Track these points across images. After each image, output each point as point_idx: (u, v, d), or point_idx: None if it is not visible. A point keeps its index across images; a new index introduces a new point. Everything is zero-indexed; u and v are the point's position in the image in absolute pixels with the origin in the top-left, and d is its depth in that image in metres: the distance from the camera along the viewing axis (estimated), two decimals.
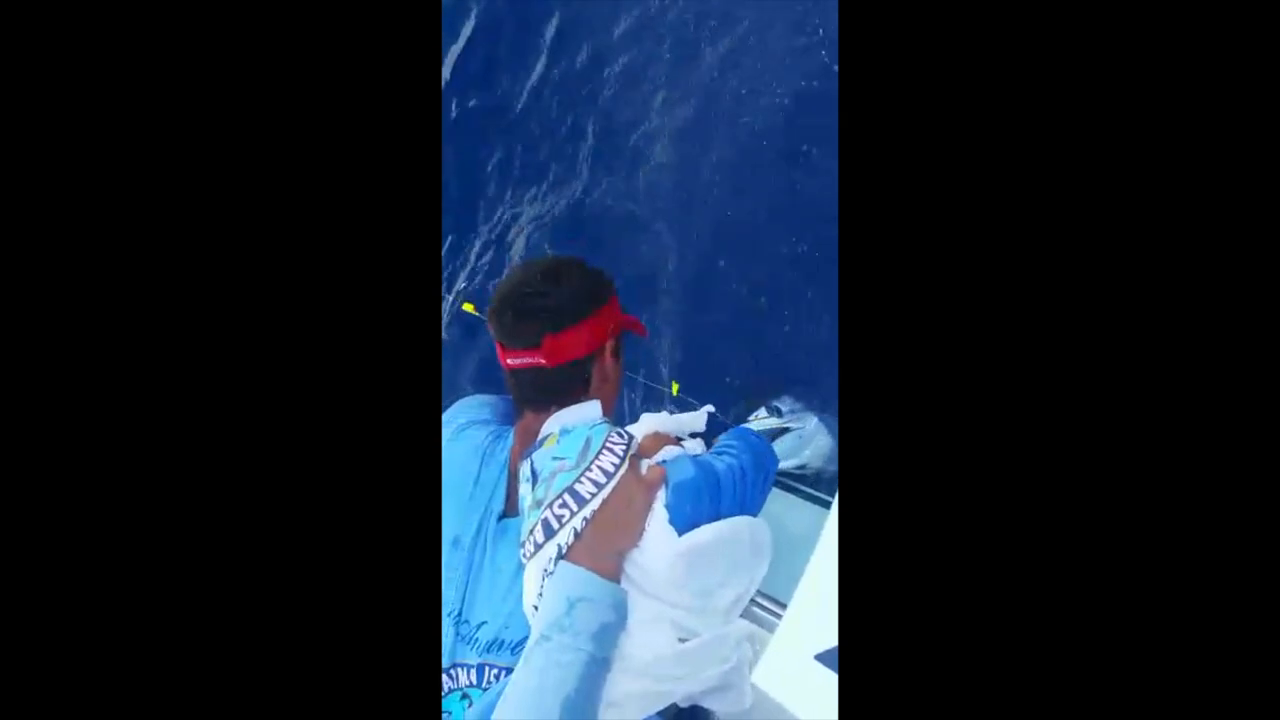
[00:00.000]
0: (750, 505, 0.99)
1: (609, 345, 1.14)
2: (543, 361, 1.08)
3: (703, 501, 0.96)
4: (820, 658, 0.91)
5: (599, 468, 0.95)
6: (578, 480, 0.94)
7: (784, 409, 1.76)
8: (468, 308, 1.57)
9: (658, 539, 0.93)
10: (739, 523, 0.97)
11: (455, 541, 1.10)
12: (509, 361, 1.11)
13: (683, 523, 0.94)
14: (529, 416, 1.13)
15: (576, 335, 1.08)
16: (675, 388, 1.70)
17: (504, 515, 1.10)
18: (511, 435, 1.17)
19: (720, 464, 1.00)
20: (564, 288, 1.10)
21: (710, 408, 1.14)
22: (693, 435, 1.13)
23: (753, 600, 1.05)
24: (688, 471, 0.97)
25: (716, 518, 0.96)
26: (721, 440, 1.09)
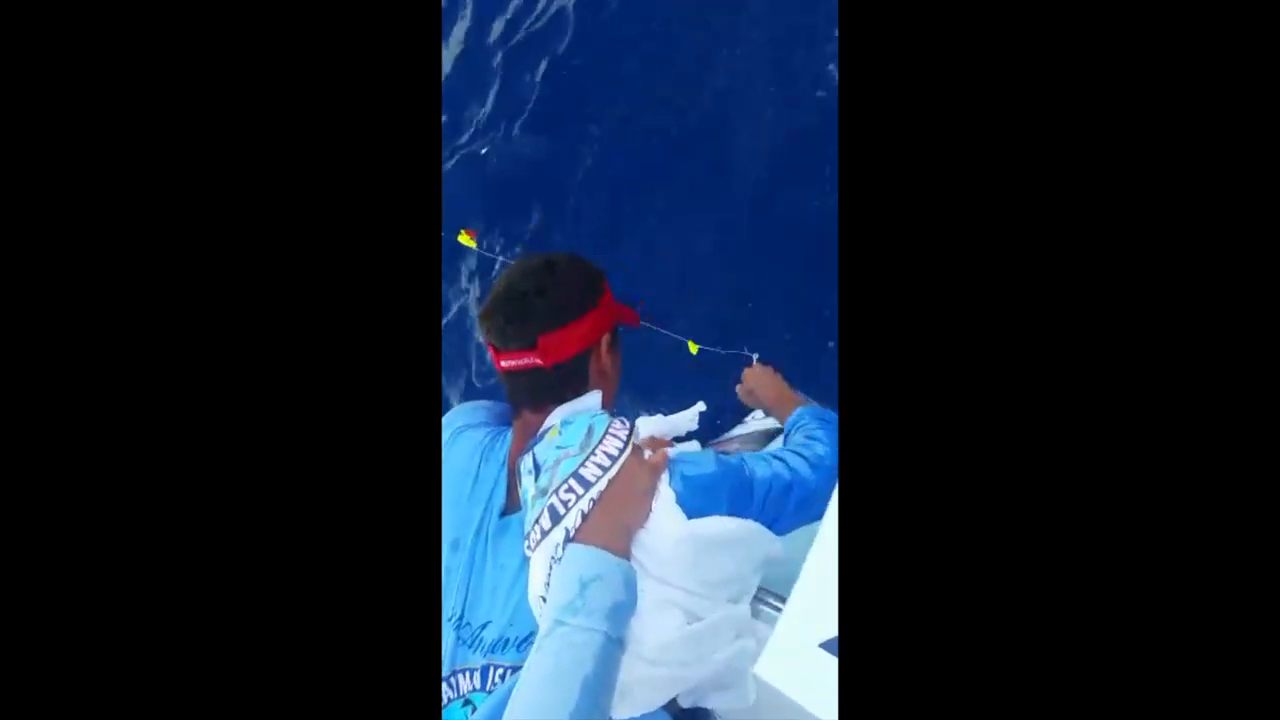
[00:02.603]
0: (781, 523, 1.00)
1: (605, 340, 1.13)
2: (539, 362, 1.07)
3: (719, 500, 0.96)
4: (825, 645, 0.90)
5: (603, 452, 0.95)
6: (582, 465, 0.94)
7: None
8: (464, 239, 1.43)
9: (664, 519, 0.93)
10: (754, 529, 0.97)
11: (455, 544, 1.09)
12: (504, 364, 1.10)
13: (692, 510, 0.94)
14: (527, 415, 1.12)
15: (571, 333, 1.08)
16: (694, 347, 1.57)
17: (505, 512, 1.09)
18: (509, 434, 1.16)
19: (764, 470, 1.00)
20: (557, 286, 1.09)
21: (701, 405, 1.14)
22: (689, 435, 1.13)
23: (755, 596, 1.05)
24: (707, 466, 0.97)
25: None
26: (804, 435, 1.11)
